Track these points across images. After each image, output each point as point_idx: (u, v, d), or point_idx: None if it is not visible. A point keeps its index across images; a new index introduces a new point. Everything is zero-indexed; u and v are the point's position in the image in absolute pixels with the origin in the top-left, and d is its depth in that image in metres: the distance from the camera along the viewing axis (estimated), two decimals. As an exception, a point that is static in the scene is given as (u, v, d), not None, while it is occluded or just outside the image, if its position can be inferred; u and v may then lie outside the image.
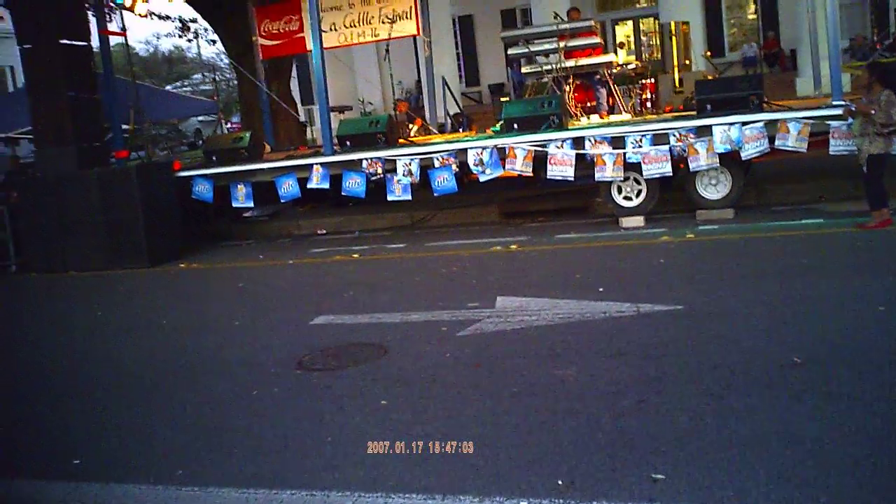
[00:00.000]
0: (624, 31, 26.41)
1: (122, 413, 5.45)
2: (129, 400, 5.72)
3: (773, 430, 4.02)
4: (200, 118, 30.27)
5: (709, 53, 19.50)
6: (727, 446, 3.90)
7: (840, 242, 8.35)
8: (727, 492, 3.47)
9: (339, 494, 3.85)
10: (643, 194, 10.49)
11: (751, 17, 25.93)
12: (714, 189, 10.31)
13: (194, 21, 23.46)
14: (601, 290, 7.22)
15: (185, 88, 38.48)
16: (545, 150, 10.56)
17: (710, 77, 14.16)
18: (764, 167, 11.79)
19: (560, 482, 3.72)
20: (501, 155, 10.81)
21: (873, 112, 8.45)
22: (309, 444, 4.52)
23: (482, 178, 11.00)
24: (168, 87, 35.75)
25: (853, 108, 8.96)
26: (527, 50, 13.39)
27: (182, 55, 50.07)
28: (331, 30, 14.95)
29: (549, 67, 12.96)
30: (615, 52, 19.25)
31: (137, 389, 5.93)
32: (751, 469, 3.65)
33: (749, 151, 9.80)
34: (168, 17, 22.07)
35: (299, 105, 21.48)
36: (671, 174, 10.17)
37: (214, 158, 12.71)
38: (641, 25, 26.39)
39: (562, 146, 10.46)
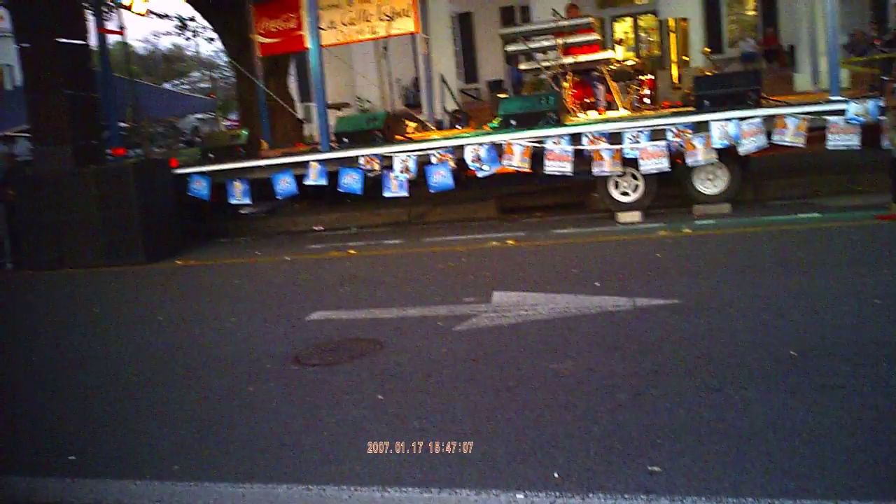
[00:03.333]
0: (623, 28, 26.42)
1: (118, 409, 5.43)
2: (125, 396, 5.69)
3: (769, 423, 4.01)
4: (198, 116, 30.32)
5: (707, 50, 19.51)
6: (724, 439, 3.89)
7: (837, 237, 8.33)
8: (723, 483, 3.46)
9: (335, 488, 3.83)
10: (640, 189, 10.50)
11: (750, 13, 25.95)
12: (711, 184, 10.31)
13: (193, 19, 23.53)
14: (598, 284, 7.21)
15: (183, 86, 38.50)
16: (543, 146, 10.57)
17: (708, 73, 14.14)
18: (761, 162, 11.78)
19: (556, 475, 3.71)
20: (499, 151, 10.81)
21: None
22: (305, 439, 4.50)
23: (479, 175, 10.98)
24: (166, 85, 35.75)
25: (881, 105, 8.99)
26: (525, 47, 13.34)
27: (181, 53, 50.06)
28: (329, 27, 14.97)
29: (547, 64, 12.94)
30: (614, 49, 19.23)
31: (133, 385, 5.91)
32: (747, 461, 3.64)
33: (746, 147, 9.81)
34: (167, 16, 22.12)
35: (297, 102, 21.44)
36: (669, 169, 10.18)
37: (211, 155, 12.71)
38: (640, 22, 26.40)
39: (559, 142, 10.46)
